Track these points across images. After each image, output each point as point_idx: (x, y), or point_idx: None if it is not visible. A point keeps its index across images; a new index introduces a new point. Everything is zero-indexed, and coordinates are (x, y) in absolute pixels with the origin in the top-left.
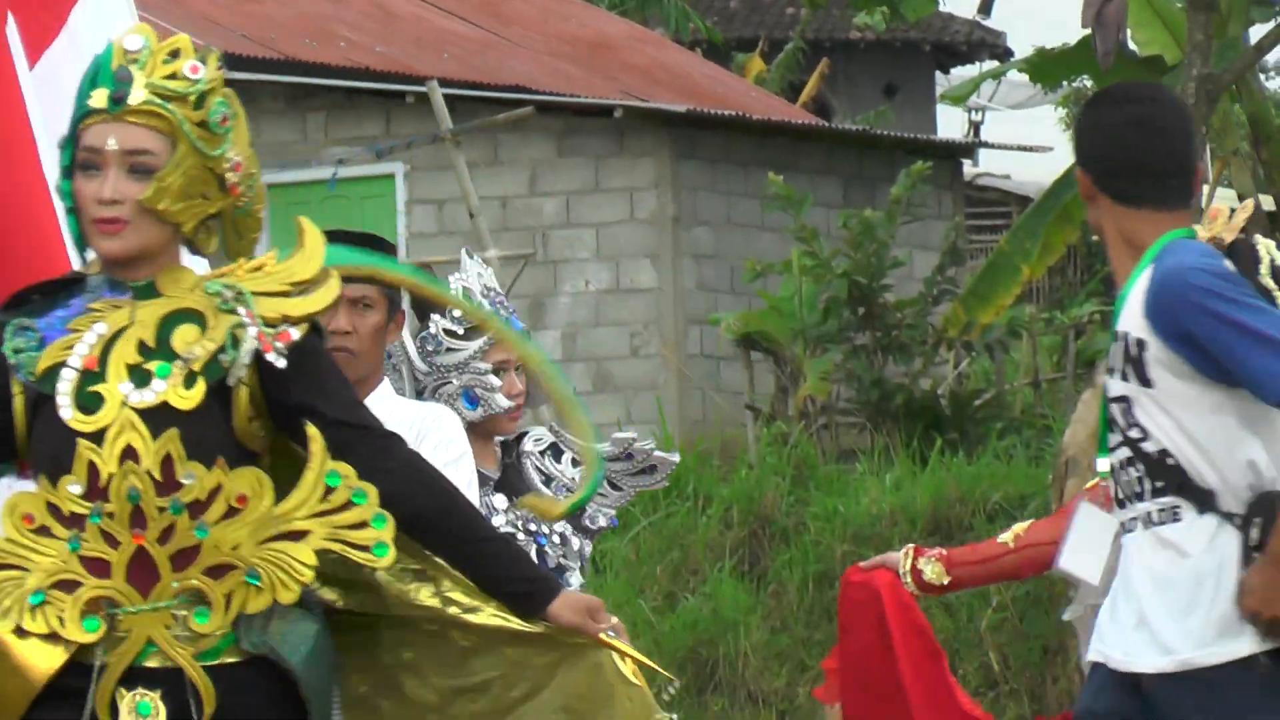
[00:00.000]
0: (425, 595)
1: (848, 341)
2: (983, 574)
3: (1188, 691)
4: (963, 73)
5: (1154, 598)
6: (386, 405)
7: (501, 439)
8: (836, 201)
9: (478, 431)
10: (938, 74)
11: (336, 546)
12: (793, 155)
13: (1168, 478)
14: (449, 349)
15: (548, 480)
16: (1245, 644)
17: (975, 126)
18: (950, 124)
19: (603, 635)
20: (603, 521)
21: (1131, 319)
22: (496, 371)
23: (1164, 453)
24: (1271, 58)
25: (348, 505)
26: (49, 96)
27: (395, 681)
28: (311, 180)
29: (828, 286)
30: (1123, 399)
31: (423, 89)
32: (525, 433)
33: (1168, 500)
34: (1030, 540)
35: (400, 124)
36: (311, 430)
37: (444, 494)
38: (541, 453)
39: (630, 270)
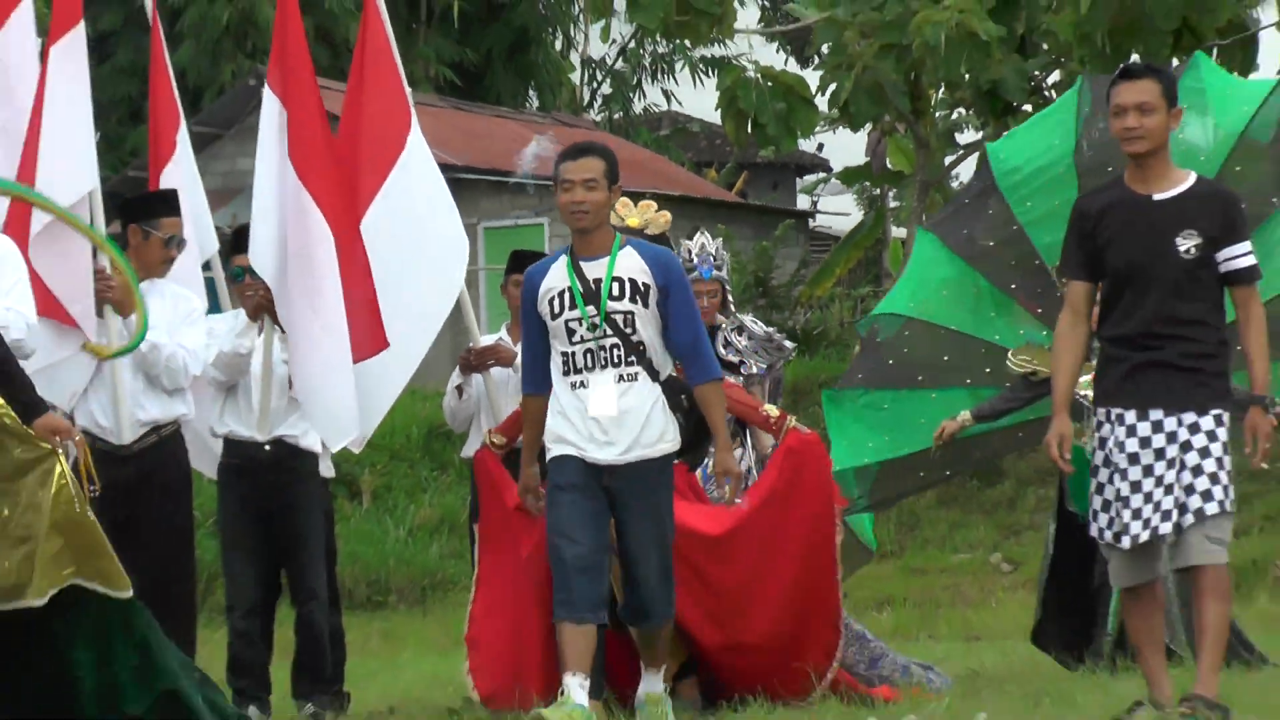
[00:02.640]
0: None
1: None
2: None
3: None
4: (811, 176)
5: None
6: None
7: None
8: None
9: None
10: (796, 178)
11: None
12: (724, 220)
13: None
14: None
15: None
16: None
17: (814, 202)
18: (803, 201)
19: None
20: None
21: None
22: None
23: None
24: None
25: None
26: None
27: None
28: None
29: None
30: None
31: None
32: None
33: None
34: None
35: None
36: None
37: None
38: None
39: None
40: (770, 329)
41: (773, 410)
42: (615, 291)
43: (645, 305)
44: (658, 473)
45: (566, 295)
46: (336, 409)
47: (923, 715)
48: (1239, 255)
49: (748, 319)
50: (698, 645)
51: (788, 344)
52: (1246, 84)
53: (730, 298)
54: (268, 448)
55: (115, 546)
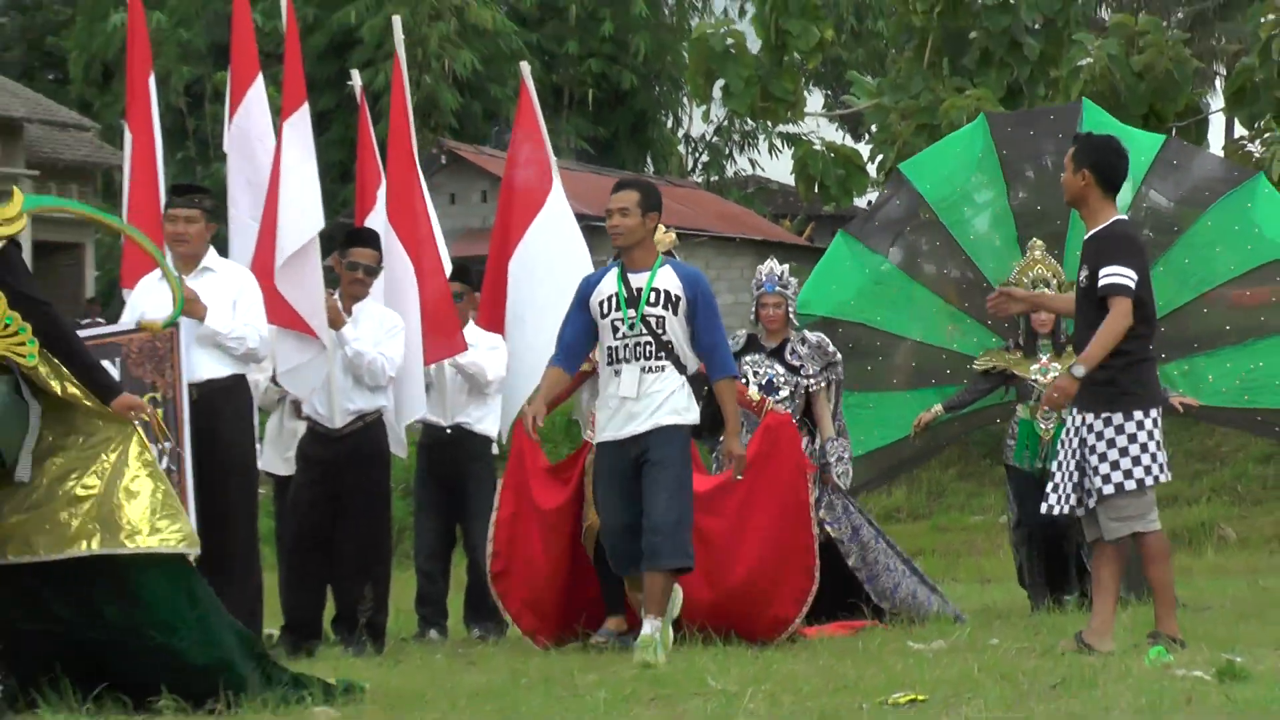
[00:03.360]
0: (55, 384)
1: None
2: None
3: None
4: None
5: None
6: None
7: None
8: None
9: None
10: None
11: (9, 354)
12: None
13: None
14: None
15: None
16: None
17: None
18: None
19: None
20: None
21: None
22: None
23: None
24: None
25: (16, 333)
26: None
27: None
28: None
29: None
30: None
31: None
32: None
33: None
34: None
35: None
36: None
37: (61, 336)
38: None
39: None
40: (822, 338)
41: (755, 395)
42: (652, 299)
43: (675, 313)
44: (670, 438)
45: (614, 299)
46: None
47: (950, 641)
48: (1102, 278)
49: (806, 332)
50: (686, 589)
51: (832, 348)
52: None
53: (793, 315)
54: (449, 430)
55: (328, 511)
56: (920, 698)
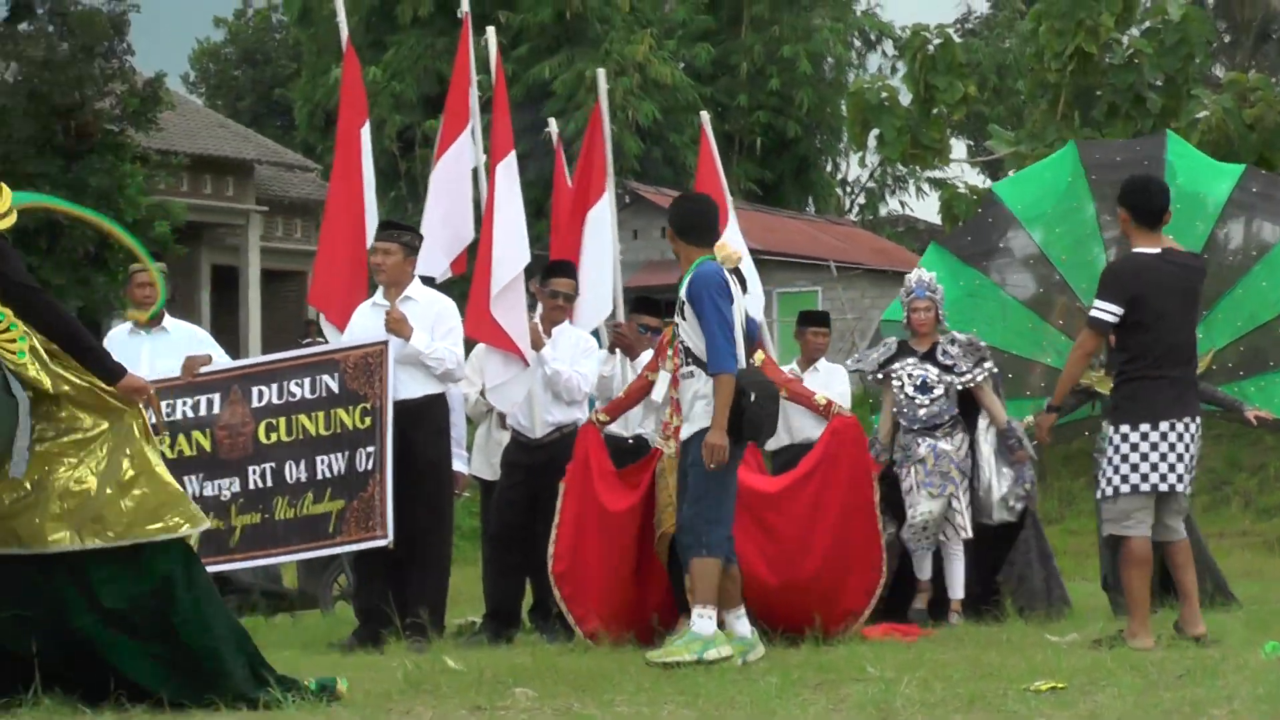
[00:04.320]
0: (45, 380)
1: None
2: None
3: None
4: None
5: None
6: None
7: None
8: None
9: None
10: None
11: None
12: None
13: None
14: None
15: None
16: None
17: None
18: None
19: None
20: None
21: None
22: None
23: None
24: None
25: (6, 330)
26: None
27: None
28: None
29: None
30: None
31: None
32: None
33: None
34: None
35: None
36: None
37: (59, 321)
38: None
39: None
40: (971, 336)
41: (821, 399)
42: (677, 310)
43: (684, 318)
44: (693, 447)
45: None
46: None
47: (1083, 634)
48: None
49: (955, 333)
50: (759, 583)
51: (982, 343)
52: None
53: (943, 318)
54: (630, 441)
55: (528, 512)
56: (1059, 685)
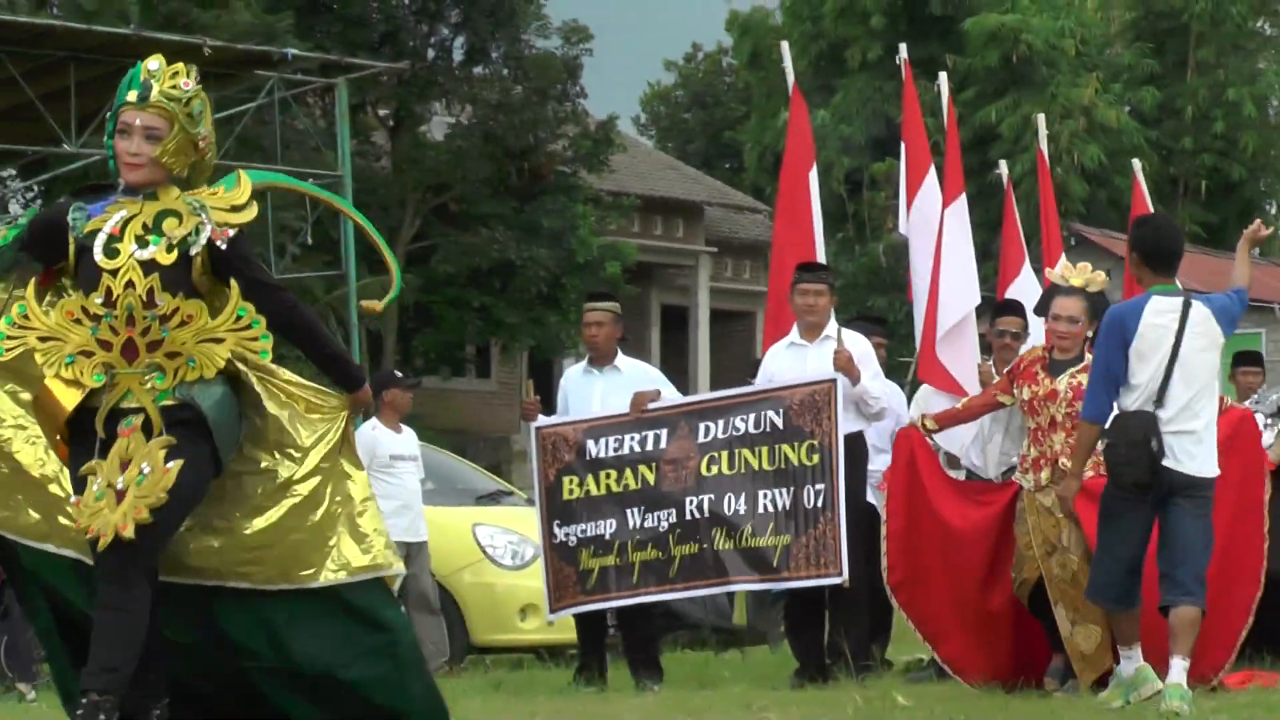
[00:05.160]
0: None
1: None
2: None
3: None
4: None
5: None
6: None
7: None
8: None
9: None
10: None
11: (239, 349)
12: None
13: None
14: None
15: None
16: None
17: None
18: None
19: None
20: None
21: None
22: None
23: None
24: None
25: (249, 326)
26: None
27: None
28: None
29: None
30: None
31: None
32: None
33: None
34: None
35: None
36: (234, 283)
37: (301, 323)
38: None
39: None
40: None
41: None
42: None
43: None
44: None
45: None
46: None
47: None
48: None
49: None
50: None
51: None
52: None
53: None
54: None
55: None
56: None
